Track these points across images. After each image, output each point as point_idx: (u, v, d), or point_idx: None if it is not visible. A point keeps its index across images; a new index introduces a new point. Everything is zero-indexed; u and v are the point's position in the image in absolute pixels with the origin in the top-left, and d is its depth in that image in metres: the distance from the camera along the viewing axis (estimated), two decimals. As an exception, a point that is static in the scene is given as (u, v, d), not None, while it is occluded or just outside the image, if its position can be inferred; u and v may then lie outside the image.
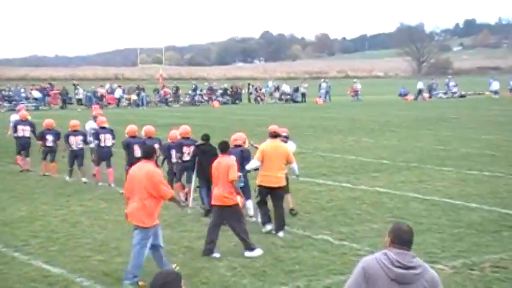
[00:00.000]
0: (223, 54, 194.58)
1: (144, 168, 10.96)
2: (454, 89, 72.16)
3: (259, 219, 14.67)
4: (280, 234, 13.89)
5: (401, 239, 5.92)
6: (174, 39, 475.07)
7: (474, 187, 18.78)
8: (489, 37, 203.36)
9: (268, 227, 14.26)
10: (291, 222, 14.92)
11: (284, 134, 15.61)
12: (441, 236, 13.60)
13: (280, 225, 14.04)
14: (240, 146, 15.29)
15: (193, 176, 16.45)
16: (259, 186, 14.30)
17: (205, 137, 16.48)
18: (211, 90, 68.16)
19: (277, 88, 71.17)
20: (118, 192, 18.40)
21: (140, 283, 10.76)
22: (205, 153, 15.93)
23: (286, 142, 15.28)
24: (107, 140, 20.36)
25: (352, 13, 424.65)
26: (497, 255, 12.15)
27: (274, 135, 14.43)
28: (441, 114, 44.77)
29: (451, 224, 14.51)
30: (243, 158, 14.89)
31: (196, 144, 16.79)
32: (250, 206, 15.61)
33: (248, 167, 14.61)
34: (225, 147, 13.15)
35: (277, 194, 14.21)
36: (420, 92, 68.96)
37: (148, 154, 11.22)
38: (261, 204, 14.44)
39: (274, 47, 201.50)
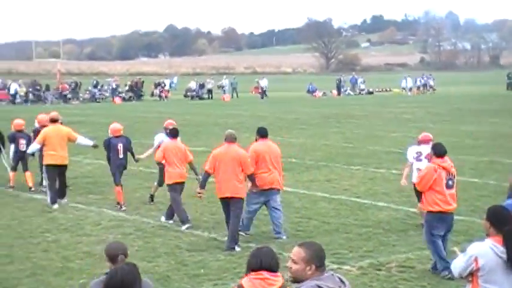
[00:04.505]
0: (125, 48, 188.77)
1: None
2: (362, 86, 73.10)
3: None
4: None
5: (322, 259, 5.68)
6: (73, 32, 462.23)
7: (381, 185, 18.79)
8: (396, 33, 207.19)
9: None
10: (196, 224, 14.50)
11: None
12: (348, 236, 13.48)
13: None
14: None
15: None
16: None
17: None
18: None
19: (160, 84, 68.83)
20: (10, 195, 18.08)
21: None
22: None
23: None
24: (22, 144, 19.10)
25: (260, 7, 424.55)
26: (404, 255, 12.16)
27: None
28: (349, 112, 45.14)
29: (358, 224, 14.43)
30: None
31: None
32: None
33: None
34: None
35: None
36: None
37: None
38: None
39: (180, 42, 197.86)
